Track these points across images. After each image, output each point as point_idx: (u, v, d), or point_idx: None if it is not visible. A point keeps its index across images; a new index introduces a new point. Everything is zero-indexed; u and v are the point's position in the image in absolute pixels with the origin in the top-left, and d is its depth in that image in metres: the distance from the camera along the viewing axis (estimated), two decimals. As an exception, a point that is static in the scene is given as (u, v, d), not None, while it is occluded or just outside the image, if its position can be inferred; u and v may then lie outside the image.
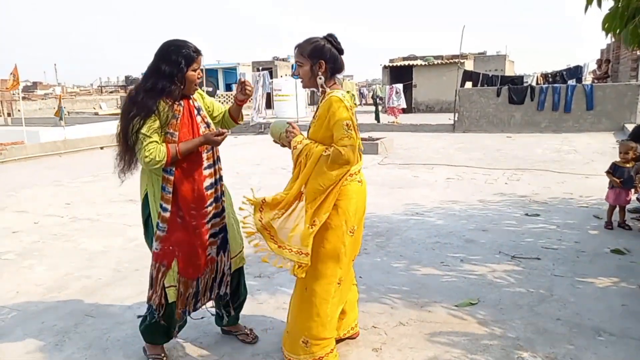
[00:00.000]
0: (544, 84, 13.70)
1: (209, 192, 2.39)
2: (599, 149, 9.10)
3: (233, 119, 2.61)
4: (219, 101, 23.37)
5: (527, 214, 4.93)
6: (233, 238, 2.55)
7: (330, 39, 2.22)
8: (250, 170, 8.02)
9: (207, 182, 2.38)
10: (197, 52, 2.26)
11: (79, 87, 42.56)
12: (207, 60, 23.73)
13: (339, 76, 2.33)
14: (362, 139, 10.53)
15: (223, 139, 2.33)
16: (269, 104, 18.45)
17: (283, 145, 2.34)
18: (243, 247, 2.62)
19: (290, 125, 2.32)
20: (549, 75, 14.18)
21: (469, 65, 20.37)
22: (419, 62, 20.83)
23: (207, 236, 2.38)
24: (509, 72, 22.69)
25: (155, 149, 2.18)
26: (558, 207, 5.17)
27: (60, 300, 3.27)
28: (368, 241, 4.22)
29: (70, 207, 5.87)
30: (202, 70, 2.32)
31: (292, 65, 17.63)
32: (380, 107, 15.59)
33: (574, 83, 12.59)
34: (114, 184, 2.27)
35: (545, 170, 7.25)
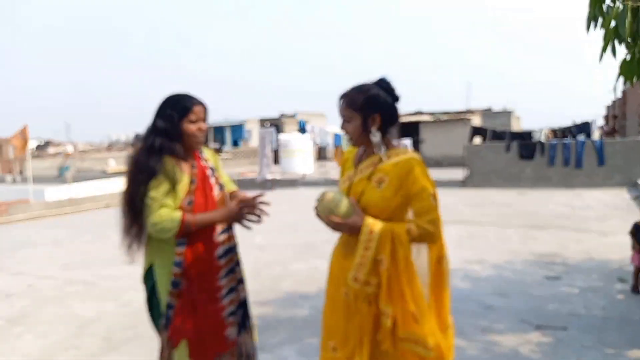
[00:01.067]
0: (553, 139, 13.65)
1: (223, 261, 2.11)
2: (613, 205, 8.85)
3: None
4: (226, 158, 23.63)
5: (547, 277, 4.64)
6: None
7: (385, 85, 1.84)
8: (255, 228, 7.79)
9: (220, 250, 2.10)
10: (194, 103, 2.06)
11: (91, 144, 43.46)
12: (215, 117, 24.27)
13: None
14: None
15: (260, 214, 2.11)
16: (275, 160, 18.51)
17: (335, 228, 1.79)
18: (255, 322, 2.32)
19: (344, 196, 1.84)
20: (558, 132, 14.18)
21: (476, 121, 20.54)
22: (425, 117, 21.05)
23: (223, 314, 2.09)
24: (515, 128, 22.81)
25: (166, 214, 1.95)
26: (578, 268, 4.88)
27: (44, 375, 3.00)
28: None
29: (67, 269, 5.66)
30: (204, 122, 2.12)
31: (299, 122, 17.84)
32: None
33: (583, 139, 12.52)
34: (113, 244, 2.06)
35: (561, 227, 6.98)
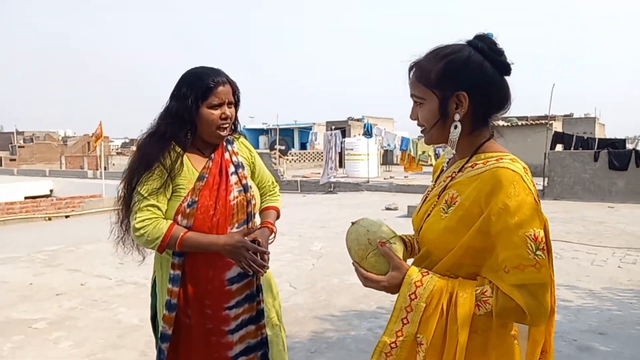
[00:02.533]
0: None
1: (235, 286, 1.68)
2: None
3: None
4: (291, 159, 23.66)
5: (659, 314, 3.81)
6: (278, 355, 1.80)
7: (485, 45, 1.12)
8: (313, 233, 7.43)
9: (233, 270, 1.67)
10: (218, 83, 1.63)
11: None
12: (285, 120, 24.37)
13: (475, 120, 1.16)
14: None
15: (258, 270, 1.63)
16: (340, 163, 18.15)
17: (364, 283, 1.18)
18: None
19: (390, 236, 1.19)
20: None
21: (557, 127, 18.97)
22: (501, 122, 19.76)
23: (231, 352, 1.68)
24: (599, 135, 20.84)
25: (150, 219, 1.58)
26: (700, 306, 3.98)
27: (70, 391, 2.75)
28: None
29: (122, 268, 5.56)
30: (232, 106, 1.70)
31: (365, 125, 17.31)
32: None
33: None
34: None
35: (670, 251, 5.94)
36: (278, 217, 1.90)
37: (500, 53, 1.13)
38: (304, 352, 3.17)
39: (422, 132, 1.22)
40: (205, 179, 1.66)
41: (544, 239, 1.03)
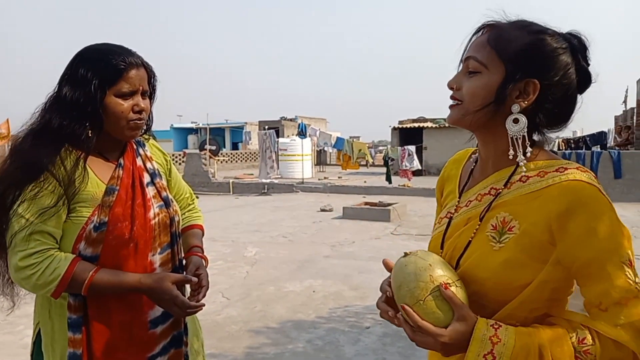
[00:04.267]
0: (565, 149, 13.04)
1: (162, 327, 1.34)
2: (636, 222, 8.20)
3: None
4: (223, 160, 23.01)
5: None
6: None
7: (577, 43, 0.93)
8: (247, 238, 7.14)
9: (157, 309, 1.32)
10: (130, 65, 1.25)
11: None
12: (215, 119, 23.66)
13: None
14: (372, 204, 9.81)
15: (190, 312, 1.33)
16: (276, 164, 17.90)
17: (415, 338, 0.88)
18: None
19: (454, 277, 0.90)
20: (572, 141, 13.56)
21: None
22: (429, 124, 20.47)
23: None
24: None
25: (40, 254, 1.18)
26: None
27: None
28: (387, 345, 3.27)
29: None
30: (146, 96, 1.33)
31: (300, 125, 17.19)
32: (391, 168, 14.95)
33: (599, 149, 11.89)
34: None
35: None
36: (203, 235, 1.59)
37: (589, 62, 0.94)
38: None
39: (452, 107, 0.97)
40: (116, 193, 1.27)
41: (631, 259, 0.84)
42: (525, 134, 0.91)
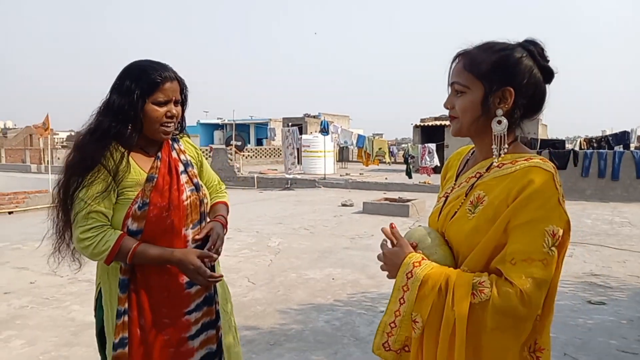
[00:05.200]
0: (587, 148, 12.96)
1: (195, 288, 1.61)
2: (656, 222, 8.21)
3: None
4: (248, 156, 23.50)
5: (590, 302, 4.15)
6: (236, 358, 1.76)
7: (534, 49, 1.16)
8: (271, 229, 7.48)
9: None
10: (165, 79, 1.54)
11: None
12: (240, 115, 24.15)
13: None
14: (391, 200, 10.03)
15: (212, 282, 1.58)
16: (298, 160, 18.24)
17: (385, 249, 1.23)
18: None
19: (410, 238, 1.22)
20: (594, 140, 13.46)
21: (503, 127, 19.82)
22: (449, 122, 20.45)
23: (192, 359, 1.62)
24: (542, 136, 21.99)
25: (96, 229, 1.48)
26: (626, 294, 4.37)
27: (24, 390, 2.70)
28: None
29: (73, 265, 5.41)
30: (178, 104, 1.63)
31: (322, 122, 17.46)
32: (411, 166, 15.11)
33: (621, 149, 11.81)
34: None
35: (601, 245, 6.43)
36: (228, 211, 1.87)
37: (548, 60, 1.16)
38: (264, 345, 3.25)
39: (451, 121, 1.23)
40: (155, 180, 1.57)
41: (560, 238, 1.05)
42: (506, 132, 1.15)
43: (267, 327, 3.59)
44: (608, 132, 15.23)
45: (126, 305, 1.53)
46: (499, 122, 1.15)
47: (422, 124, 21.07)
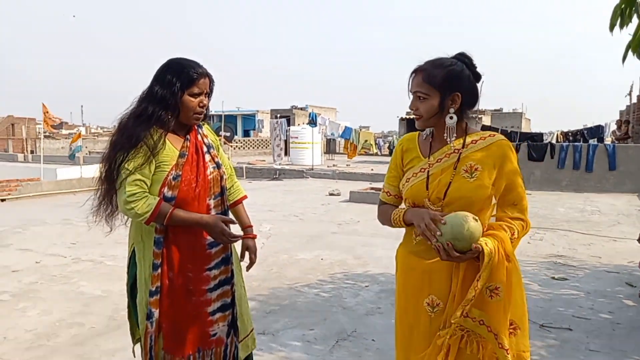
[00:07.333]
0: (564, 142, 13.51)
1: (215, 249, 1.92)
2: (624, 211, 8.74)
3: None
4: (236, 147, 23.71)
5: (554, 277, 4.60)
6: (244, 313, 2.06)
7: (467, 60, 1.63)
8: (262, 217, 7.82)
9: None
10: (200, 75, 1.84)
11: (102, 128, 43.68)
12: (227, 106, 24.31)
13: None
14: (377, 189, 10.40)
15: (233, 241, 1.91)
16: (286, 151, 18.54)
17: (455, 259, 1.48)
18: (253, 325, 2.15)
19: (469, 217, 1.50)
20: (570, 134, 14.02)
21: (486, 121, 20.36)
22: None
23: (210, 308, 1.91)
24: (525, 130, 22.62)
25: (139, 194, 1.77)
26: (587, 272, 4.82)
27: (47, 349, 3.02)
28: (382, 299, 3.93)
29: (75, 247, 5.70)
30: (207, 96, 1.91)
31: (310, 114, 17.78)
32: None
33: (595, 142, 12.36)
34: (123, 224, 1.99)
35: (570, 230, 6.91)
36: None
37: (476, 67, 1.65)
38: (260, 313, 3.61)
39: (417, 119, 1.66)
40: (186, 156, 1.87)
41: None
42: (455, 124, 1.60)
43: (263, 299, 3.95)
44: (591, 125, 15.82)
45: (160, 259, 1.84)
46: (451, 117, 1.60)
47: (407, 117, 21.50)
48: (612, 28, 2.73)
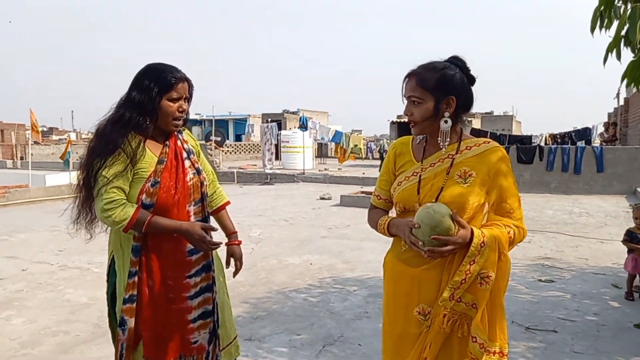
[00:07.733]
0: (552, 144, 13.63)
1: (196, 256, 1.90)
2: (611, 212, 8.83)
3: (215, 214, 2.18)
4: (227, 151, 23.63)
5: (540, 280, 4.63)
6: (227, 320, 2.06)
7: (460, 64, 1.60)
8: (251, 221, 7.81)
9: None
10: (179, 80, 1.82)
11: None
12: (219, 111, 24.26)
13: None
14: (368, 193, 10.43)
15: (213, 248, 1.88)
16: (277, 156, 18.52)
17: (445, 251, 1.49)
18: (236, 332, 2.14)
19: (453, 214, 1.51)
20: (558, 136, 14.15)
21: (476, 124, 20.49)
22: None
23: (190, 316, 1.89)
24: (516, 132, 22.78)
25: (117, 201, 1.73)
26: (573, 274, 4.86)
27: (32, 358, 2.99)
28: (370, 303, 3.94)
29: (62, 254, 5.65)
30: (186, 101, 1.89)
31: (301, 118, 17.79)
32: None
33: (583, 145, 12.48)
34: (103, 231, 1.96)
35: (558, 232, 6.97)
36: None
37: (469, 70, 1.62)
38: (247, 319, 3.59)
39: (412, 125, 1.63)
40: (165, 162, 1.84)
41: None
42: (449, 128, 1.57)
43: (250, 304, 3.94)
44: (579, 128, 15.97)
45: (137, 267, 1.81)
46: (445, 121, 1.57)
47: (398, 120, 21.59)
48: (592, 30, 2.77)
